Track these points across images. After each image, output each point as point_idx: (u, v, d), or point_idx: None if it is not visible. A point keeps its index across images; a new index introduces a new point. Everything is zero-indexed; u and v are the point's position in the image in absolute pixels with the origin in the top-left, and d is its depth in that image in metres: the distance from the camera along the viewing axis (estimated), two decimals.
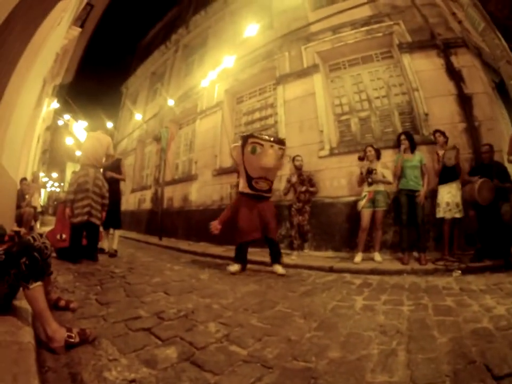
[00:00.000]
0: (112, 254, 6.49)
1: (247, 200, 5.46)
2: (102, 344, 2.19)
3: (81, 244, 5.75)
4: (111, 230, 6.98)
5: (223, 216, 5.73)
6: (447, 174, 5.66)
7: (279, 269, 5.17)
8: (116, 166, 6.92)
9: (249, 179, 5.38)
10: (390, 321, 2.75)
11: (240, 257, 5.47)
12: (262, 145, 5.25)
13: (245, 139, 5.40)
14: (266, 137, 5.48)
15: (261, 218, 5.37)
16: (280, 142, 5.55)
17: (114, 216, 6.74)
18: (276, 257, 5.37)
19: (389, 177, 5.94)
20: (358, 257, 5.79)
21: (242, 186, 5.52)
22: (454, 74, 6.65)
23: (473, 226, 5.32)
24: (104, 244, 6.97)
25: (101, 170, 6.24)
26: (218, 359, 2.04)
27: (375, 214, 5.90)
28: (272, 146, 5.31)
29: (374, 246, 5.94)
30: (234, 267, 5.27)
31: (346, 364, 1.99)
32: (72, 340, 2.09)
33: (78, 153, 23.74)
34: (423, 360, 1.99)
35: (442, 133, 5.88)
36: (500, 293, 3.49)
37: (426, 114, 6.65)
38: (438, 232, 5.88)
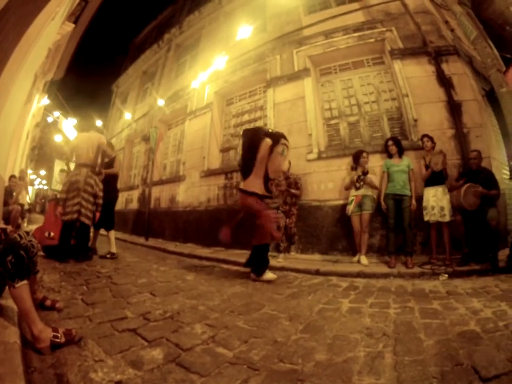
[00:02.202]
0: (105, 256, 6.26)
1: (266, 202, 5.15)
2: (88, 345, 2.18)
3: (69, 242, 5.70)
4: (101, 231, 6.71)
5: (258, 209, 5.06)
6: (433, 178, 5.73)
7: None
8: (111, 163, 6.79)
9: (266, 180, 5.01)
10: (377, 323, 2.76)
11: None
12: (288, 148, 5.10)
13: (277, 138, 5.03)
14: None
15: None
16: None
17: (107, 217, 6.51)
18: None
19: (376, 182, 6.08)
20: (356, 257, 5.99)
21: (257, 187, 4.97)
22: (445, 81, 6.73)
23: (460, 231, 5.37)
24: (94, 243, 6.69)
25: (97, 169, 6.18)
26: (204, 360, 2.03)
27: (361, 216, 5.99)
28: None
29: (360, 249, 5.97)
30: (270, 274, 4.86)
31: (333, 366, 1.99)
32: (58, 340, 2.07)
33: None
34: (410, 362, 2.00)
35: (430, 138, 5.94)
36: (486, 296, 3.53)
37: (416, 120, 6.71)
38: (425, 236, 5.95)
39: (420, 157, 6.14)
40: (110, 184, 6.58)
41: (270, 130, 5.40)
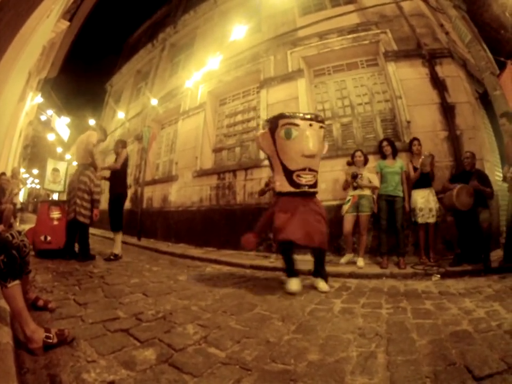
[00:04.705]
0: (109, 258, 6.01)
1: (287, 199, 4.29)
2: (81, 345, 2.18)
3: (72, 242, 5.86)
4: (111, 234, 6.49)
5: (259, 226, 4.58)
6: (421, 180, 5.76)
7: (320, 284, 4.25)
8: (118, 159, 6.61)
9: (288, 173, 4.23)
10: (369, 324, 2.77)
11: (290, 266, 4.38)
12: (297, 125, 4.17)
13: (274, 122, 4.28)
14: (301, 114, 4.35)
15: (304, 220, 4.23)
16: (319, 119, 4.45)
17: (111, 217, 6.32)
18: (318, 270, 4.45)
19: (375, 181, 5.90)
20: (345, 258, 5.98)
21: (280, 184, 4.33)
22: (438, 84, 6.77)
23: (452, 232, 5.40)
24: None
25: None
26: (197, 361, 2.04)
27: (358, 218, 5.90)
28: (311, 125, 4.24)
29: (358, 251, 5.91)
30: (293, 283, 4.13)
31: (326, 366, 2.00)
32: (51, 341, 2.07)
33: (59, 149, 23.46)
34: (403, 362, 2.01)
35: (419, 142, 6.00)
36: (479, 297, 3.54)
37: (409, 122, 6.73)
38: (417, 237, 5.95)
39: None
40: (115, 180, 6.46)
41: (270, 117, 4.56)
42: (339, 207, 6.27)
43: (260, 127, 4.68)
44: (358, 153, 6.14)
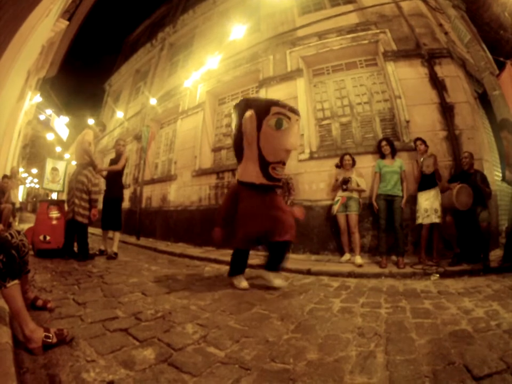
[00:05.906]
0: (111, 256, 6.23)
1: (253, 193, 4.12)
2: (80, 345, 2.18)
3: (71, 242, 5.87)
4: (110, 233, 6.74)
5: (221, 217, 4.36)
6: (425, 181, 5.75)
7: (277, 280, 4.27)
8: (118, 159, 6.72)
9: (264, 165, 4.01)
10: (368, 323, 2.77)
11: (241, 265, 4.44)
12: (289, 118, 4.00)
13: (266, 107, 3.97)
14: (291, 106, 4.15)
15: (271, 216, 4.10)
16: (298, 114, 4.29)
17: (113, 216, 6.51)
18: (274, 264, 4.41)
19: (363, 185, 6.13)
20: (344, 257, 6.08)
21: (252, 174, 4.08)
22: (437, 84, 6.76)
23: (451, 232, 5.40)
24: (104, 244, 6.77)
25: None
26: (196, 360, 2.03)
27: (348, 217, 6.07)
28: (297, 120, 4.16)
29: (354, 250, 5.95)
30: (242, 281, 4.25)
31: (325, 365, 1.99)
32: (50, 340, 2.07)
33: (58, 149, 23.43)
34: (402, 361, 2.01)
35: (424, 142, 5.97)
36: (478, 296, 3.55)
37: (408, 122, 6.73)
38: (416, 237, 5.96)
39: (412, 158, 6.22)
40: (114, 181, 6.58)
41: (256, 99, 4.36)
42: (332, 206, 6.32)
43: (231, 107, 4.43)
44: (347, 157, 6.30)
